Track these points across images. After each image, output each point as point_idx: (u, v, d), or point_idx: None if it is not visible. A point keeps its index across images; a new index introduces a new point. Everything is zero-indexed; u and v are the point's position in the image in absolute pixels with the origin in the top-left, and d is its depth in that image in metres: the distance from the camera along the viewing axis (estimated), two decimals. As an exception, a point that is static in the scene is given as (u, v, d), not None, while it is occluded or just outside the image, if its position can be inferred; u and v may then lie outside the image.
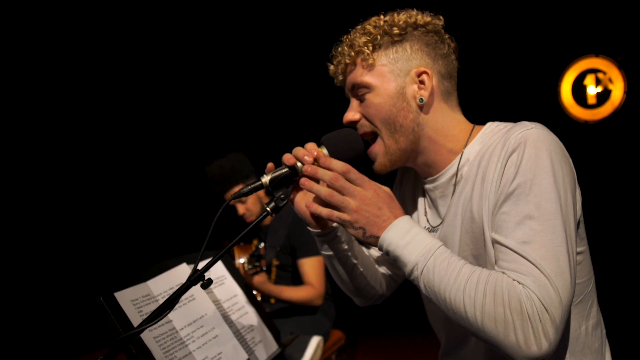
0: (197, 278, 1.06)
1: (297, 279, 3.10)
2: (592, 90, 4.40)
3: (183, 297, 1.45)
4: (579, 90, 4.46)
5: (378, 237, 1.10)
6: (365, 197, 1.09)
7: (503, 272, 1.02)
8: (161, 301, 1.38)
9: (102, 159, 5.52)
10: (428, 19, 1.22)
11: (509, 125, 1.16)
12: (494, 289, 0.98)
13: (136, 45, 5.17)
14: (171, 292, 1.43)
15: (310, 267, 3.03)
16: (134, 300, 1.32)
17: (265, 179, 1.15)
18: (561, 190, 1.03)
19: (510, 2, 4.43)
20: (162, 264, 1.49)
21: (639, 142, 4.21)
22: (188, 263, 1.55)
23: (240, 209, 3.10)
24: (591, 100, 4.41)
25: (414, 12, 1.22)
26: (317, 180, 1.14)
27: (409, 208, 1.42)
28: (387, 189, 1.15)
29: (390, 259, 1.12)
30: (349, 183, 1.10)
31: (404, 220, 1.10)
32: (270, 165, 1.18)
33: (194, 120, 5.81)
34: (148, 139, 5.73)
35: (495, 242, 1.07)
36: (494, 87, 4.45)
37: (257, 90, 5.70)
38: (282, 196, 1.14)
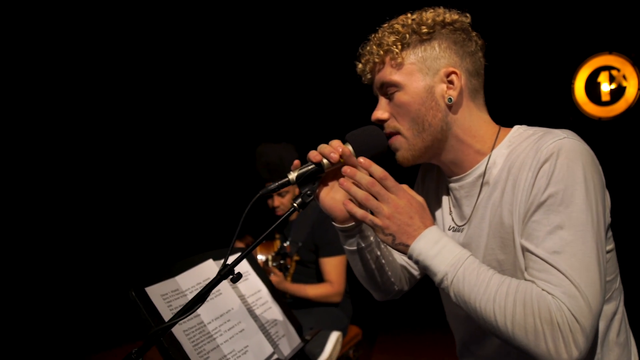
0: (228, 272, 1.10)
1: (320, 276, 3.16)
2: (605, 87, 4.38)
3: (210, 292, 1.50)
4: (592, 87, 4.45)
5: (407, 246, 1.12)
6: (399, 206, 1.11)
7: (533, 282, 1.04)
8: (189, 296, 1.43)
9: (128, 158, 5.58)
10: (455, 16, 1.23)
11: (539, 131, 1.17)
12: (523, 299, 1.01)
13: (154, 41, 5.21)
14: (198, 287, 1.48)
15: (332, 265, 3.09)
16: (164, 295, 1.36)
17: (292, 175, 1.18)
18: (592, 200, 1.04)
19: (524, 0, 4.43)
20: (188, 260, 1.54)
21: (654, 140, 4.20)
22: (214, 259, 1.59)
23: (277, 201, 3.16)
24: (605, 97, 4.40)
25: (442, 10, 1.23)
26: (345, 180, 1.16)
27: (433, 206, 1.44)
28: (420, 198, 1.17)
29: (419, 268, 1.14)
30: (385, 190, 1.12)
31: (433, 231, 1.12)
32: (296, 162, 1.22)
33: (219, 118, 5.85)
34: (177, 134, 5.80)
35: (525, 249, 1.09)
36: (508, 86, 4.44)
37: (282, 87, 5.72)
38: (308, 192, 1.18)
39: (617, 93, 4.34)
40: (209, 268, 1.56)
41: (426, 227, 1.12)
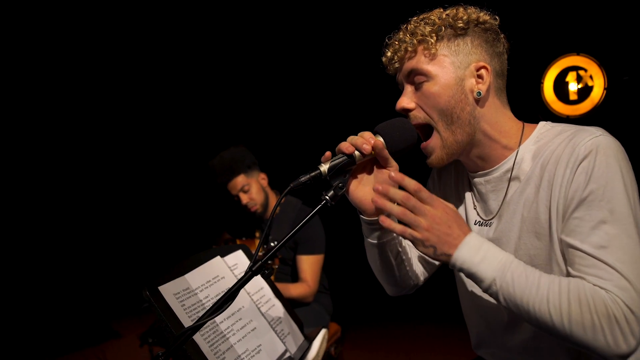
0: (259, 268, 1.06)
1: (295, 274, 3.12)
2: (573, 87, 4.54)
3: (220, 290, 1.46)
4: (561, 86, 4.60)
5: (450, 255, 1.10)
6: (436, 216, 1.10)
7: (582, 278, 1.06)
8: (200, 295, 1.38)
9: (130, 158, 5.54)
10: (487, 17, 1.25)
11: (569, 128, 1.19)
12: (577, 296, 1.02)
13: (153, 44, 5.16)
14: (208, 285, 1.43)
15: (309, 264, 3.06)
16: (177, 294, 1.31)
17: (324, 167, 1.15)
18: (630, 194, 1.07)
19: (496, 2, 4.52)
20: (195, 257, 1.48)
21: (618, 137, 4.36)
22: (222, 256, 1.54)
23: (244, 198, 3.10)
24: (572, 96, 4.55)
25: (473, 9, 1.25)
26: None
27: (454, 201, 1.44)
28: (452, 206, 1.16)
29: (464, 275, 1.13)
30: (420, 202, 1.11)
31: (474, 237, 1.12)
32: (327, 154, 1.19)
33: (217, 120, 5.78)
34: (176, 135, 5.74)
35: (569, 246, 1.10)
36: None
37: (284, 87, 5.66)
38: (340, 185, 1.15)
39: (584, 92, 4.50)
40: (217, 265, 1.51)
41: (466, 235, 1.12)
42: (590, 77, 4.44)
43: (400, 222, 1.13)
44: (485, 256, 1.09)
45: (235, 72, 5.69)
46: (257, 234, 3.34)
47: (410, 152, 1.28)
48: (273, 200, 3.21)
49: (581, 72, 4.48)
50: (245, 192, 3.11)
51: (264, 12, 5.09)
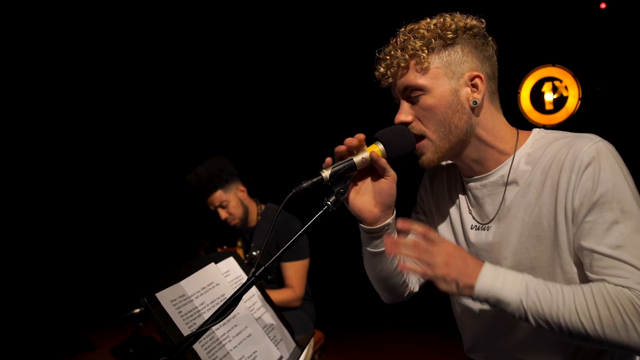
0: (263, 273, 1.06)
1: (281, 281, 3.11)
2: (549, 97, 4.66)
3: (215, 297, 1.45)
4: (537, 96, 4.71)
5: (472, 287, 1.12)
6: (449, 252, 1.13)
7: (603, 280, 1.08)
8: (196, 301, 1.37)
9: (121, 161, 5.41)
10: (474, 22, 1.26)
11: (565, 135, 1.22)
12: (604, 300, 1.04)
13: (153, 45, 5.10)
14: (204, 292, 1.42)
15: (294, 270, 3.05)
16: (173, 301, 1.30)
17: (326, 173, 1.15)
18: (636, 194, 1.11)
19: (474, 13, 4.61)
20: (189, 264, 1.47)
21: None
22: (216, 262, 1.53)
23: (222, 214, 3.05)
24: (548, 106, 4.68)
25: (460, 16, 1.26)
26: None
27: (448, 206, 1.46)
28: (455, 244, 1.20)
29: (490, 304, 1.14)
30: (431, 243, 1.13)
31: (489, 266, 1.14)
32: (328, 160, 1.19)
33: (207, 127, 5.69)
34: (176, 137, 5.63)
35: (585, 249, 1.12)
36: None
37: (282, 91, 5.62)
38: (341, 190, 1.16)
39: (560, 102, 4.62)
40: (212, 272, 1.50)
41: (481, 265, 1.14)
42: (566, 87, 4.57)
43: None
44: (505, 280, 1.11)
45: (214, 80, 5.65)
46: (239, 243, 3.32)
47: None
48: (253, 210, 3.18)
49: (557, 83, 4.61)
50: (223, 207, 3.06)
51: (242, 19, 5.09)
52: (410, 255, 1.13)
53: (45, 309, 5.29)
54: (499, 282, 1.11)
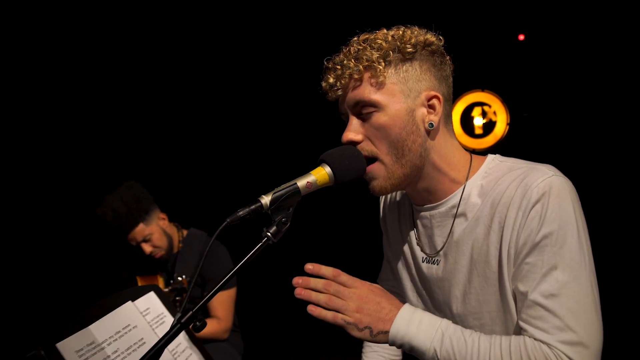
0: (189, 319, 0.89)
1: (205, 311, 2.89)
2: (478, 121, 4.78)
3: (132, 342, 1.25)
4: (467, 121, 4.82)
5: (387, 332, 1.06)
6: (362, 296, 1.07)
7: (527, 329, 1.02)
8: (107, 349, 1.17)
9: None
10: (433, 38, 1.17)
11: (520, 164, 1.14)
12: (520, 356, 0.99)
13: (152, 45, 4.75)
14: (118, 337, 1.22)
15: (220, 301, 2.84)
16: (79, 351, 1.09)
17: (266, 199, 1.01)
18: (583, 239, 1.03)
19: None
20: (101, 303, 1.27)
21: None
22: (133, 299, 1.33)
23: (147, 248, 2.80)
24: (478, 130, 4.80)
25: (419, 30, 1.16)
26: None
27: (397, 237, 1.37)
28: (376, 285, 1.13)
29: (406, 351, 1.08)
30: (342, 286, 1.07)
31: (405, 308, 1.09)
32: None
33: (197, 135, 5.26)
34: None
35: (519, 292, 1.05)
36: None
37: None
38: (283, 220, 1.02)
39: (488, 127, 4.75)
40: (128, 312, 1.30)
41: (398, 308, 1.08)
42: (494, 112, 4.71)
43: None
44: (420, 326, 1.06)
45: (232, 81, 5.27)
46: (160, 273, 3.07)
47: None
48: (175, 237, 2.94)
49: (486, 108, 4.74)
50: (147, 241, 2.81)
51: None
52: (320, 301, 1.04)
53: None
54: (413, 328, 1.04)
